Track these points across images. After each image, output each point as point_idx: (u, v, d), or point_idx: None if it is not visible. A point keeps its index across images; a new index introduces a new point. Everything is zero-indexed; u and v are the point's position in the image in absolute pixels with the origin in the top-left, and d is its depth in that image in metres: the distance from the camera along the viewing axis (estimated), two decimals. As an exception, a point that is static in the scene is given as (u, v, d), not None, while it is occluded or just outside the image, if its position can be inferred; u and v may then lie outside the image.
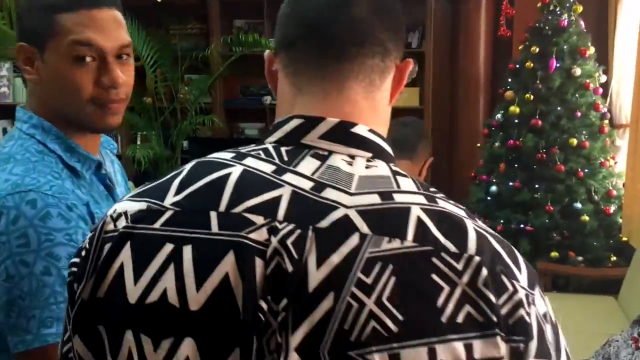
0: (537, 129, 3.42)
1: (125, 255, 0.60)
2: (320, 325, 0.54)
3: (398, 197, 0.59)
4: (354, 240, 0.56)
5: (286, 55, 0.68)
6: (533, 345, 0.56)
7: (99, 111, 1.03)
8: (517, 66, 3.59)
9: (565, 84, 3.44)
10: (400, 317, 0.54)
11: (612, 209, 3.42)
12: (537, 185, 3.41)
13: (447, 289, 0.55)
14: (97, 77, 1.01)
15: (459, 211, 0.61)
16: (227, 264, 0.56)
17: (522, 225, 3.39)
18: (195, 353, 0.57)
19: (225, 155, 0.64)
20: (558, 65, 3.43)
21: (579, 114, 3.42)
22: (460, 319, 0.54)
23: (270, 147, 0.64)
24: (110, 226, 0.62)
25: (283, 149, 0.63)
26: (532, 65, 3.48)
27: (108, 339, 0.60)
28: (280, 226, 0.57)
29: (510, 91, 3.56)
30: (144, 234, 0.60)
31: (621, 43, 3.67)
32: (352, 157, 0.63)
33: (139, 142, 4.97)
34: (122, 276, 0.60)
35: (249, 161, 0.62)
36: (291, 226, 0.57)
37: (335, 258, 0.55)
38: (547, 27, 3.48)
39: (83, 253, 0.64)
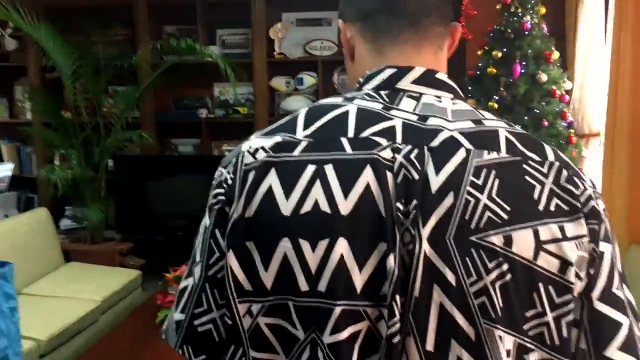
0: (503, 140, 3.14)
1: (272, 179, 0.71)
2: (445, 218, 0.68)
3: (487, 123, 0.75)
4: (461, 153, 0.71)
5: (364, 25, 0.80)
6: (602, 228, 0.73)
7: None
8: (478, 72, 3.32)
9: (530, 91, 3.18)
10: (508, 207, 0.69)
11: (584, 224, 3.17)
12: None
13: (538, 187, 0.71)
14: None
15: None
16: (367, 176, 0.69)
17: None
18: (348, 250, 0.68)
19: (335, 100, 0.78)
20: (522, 71, 3.17)
21: (545, 123, 3.17)
22: (552, 207, 0.71)
23: (370, 91, 0.77)
24: (250, 159, 0.74)
25: (382, 92, 0.77)
26: (494, 71, 3.21)
27: (258, 251, 0.71)
28: (400, 147, 0.71)
29: (471, 99, 3.28)
30: (286, 161, 0.72)
31: (583, 48, 3.47)
32: (439, 97, 0.77)
33: (57, 162, 4.42)
34: (271, 196, 0.71)
35: (358, 102, 0.76)
36: (409, 147, 0.71)
37: (450, 166, 0.70)
38: (509, 30, 3.22)
39: (229, 182, 0.74)
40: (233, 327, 0.73)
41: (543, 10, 3.24)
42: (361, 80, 0.80)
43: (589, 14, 3.45)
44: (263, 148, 0.74)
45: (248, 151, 0.74)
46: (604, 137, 2.96)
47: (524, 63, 3.18)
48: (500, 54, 3.21)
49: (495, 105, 3.17)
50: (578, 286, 0.71)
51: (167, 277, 3.01)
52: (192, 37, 4.31)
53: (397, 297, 0.67)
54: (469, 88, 3.37)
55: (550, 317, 0.70)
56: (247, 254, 0.71)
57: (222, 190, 0.75)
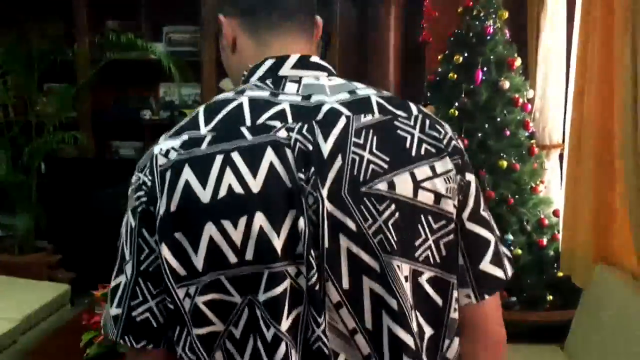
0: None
1: (188, 174, 0.80)
2: (338, 177, 0.81)
3: (359, 92, 0.89)
4: (343, 120, 0.84)
5: (244, 19, 0.93)
6: (465, 161, 0.89)
7: None
8: (438, 78, 3.14)
9: (492, 99, 3.02)
10: (387, 158, 0.83)
11: (545, 240, 3.03)
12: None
13: (409, 137, 0.85)
14: None
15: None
16: (269, 156, 0.80)
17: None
18: (265, 221, 0.79)
19: (228, 95, 0.88)
20: (484, 77, 3.01)
21: (507, 132, 3.01)
22: (422, 152, 0.85)
23: (257, 82, 0.89)
24: (163, 160, 0.82)
25: (267, 81, 0.89)
26: (455, 76, 3.04)
27: (187, 238, 0.80)
28: (292, 126, 0.82)
29: (431, 106, 3.10)
30: (196, 156, 0.81)
31: (545, 56, 3.33)
32: (317, 77, 0.90)
33: (-18, 165, 4.05)
34: (189, 189, 0.80)
35: (248, 93, 0.87)
36: (300, 124, 0.82)
37: (335, 132, 0.82)
38: (470, 34, 3.06)
39: (149, 183, 0.83)
40: (176, 311, 0.82)
41: (506, 14, 3.09)
42: (246, 73, 0.91)
43: (551, 21, 3.32)
44: (174, 148, 0.83)
45: (160, 153, 0.83)
46: (567, 150, 2.81)
47: (485, 69, 3.01)
48: (461, 59, 3.04)
49: (456, 113, 3.00)
50: (455, 213, 0.86)
51: (95, 295, 2.72)
52: (136, 33, 4.01)
53: (312, 252, 0.79)
54: (428, 94, 3.20)
55: (431, 240, 0.85)
56: (178, 244, 0.80)
57: (142, 193, 0.83)
